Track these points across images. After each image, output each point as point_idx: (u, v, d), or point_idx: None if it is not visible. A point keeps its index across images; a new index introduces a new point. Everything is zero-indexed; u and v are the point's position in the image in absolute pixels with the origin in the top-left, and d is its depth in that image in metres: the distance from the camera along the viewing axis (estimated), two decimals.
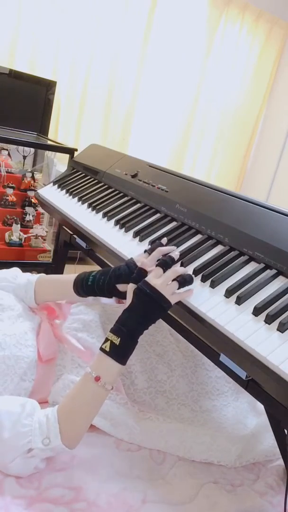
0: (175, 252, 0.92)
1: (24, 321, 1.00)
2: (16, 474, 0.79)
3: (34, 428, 0.77)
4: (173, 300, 0.82)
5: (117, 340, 0.79)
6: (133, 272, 0.90)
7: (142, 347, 1.11)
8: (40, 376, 0.95)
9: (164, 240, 0.99)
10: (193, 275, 0.88)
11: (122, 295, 0.95)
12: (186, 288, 0.85)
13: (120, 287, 0.95)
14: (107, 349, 0.79)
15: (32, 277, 1.07)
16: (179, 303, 0.87)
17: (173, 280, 0.83)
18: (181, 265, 0.96)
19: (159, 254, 0.91)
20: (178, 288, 0.83)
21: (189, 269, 0.94)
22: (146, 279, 0.83)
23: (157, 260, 0.89)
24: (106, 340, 0.81)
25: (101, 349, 0.81)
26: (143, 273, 0.86)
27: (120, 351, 0.80)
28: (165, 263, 0.86)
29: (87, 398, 0.80)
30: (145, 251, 0.95)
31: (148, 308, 0.81)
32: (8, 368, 0.89)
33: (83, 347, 1.03)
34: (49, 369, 0.98)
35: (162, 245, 0.96)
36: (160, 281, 0.82)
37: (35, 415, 0.79)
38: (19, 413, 0.78)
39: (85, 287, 0.98)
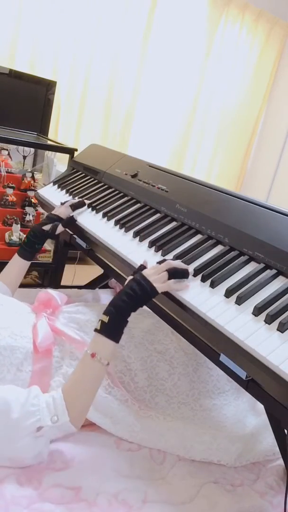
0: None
1: (19, 316, 1.04)
2: (22, 455, 0.80)
3: (42, 407, 0.80)
4: (160, 288, 0.87)
5: (106, 318, 0.86)
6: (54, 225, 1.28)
7: (143, 345, 1.11)
8: (37, 367, 0.97)
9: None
10: (189, 270, 0.91)
11: (52, 236, 1.30)
12: (180, 281, 0.89)
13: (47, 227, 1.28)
14: (99, 327, 0.86)
15: None
16: (180, 303, 0.87)
17: (165, 270, 0.88)
18: None
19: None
20: (169, 278, 0.88)
21: (189, 269, 0.94)
22: (143, 271, 0.90)
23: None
24: (99, 321, 0.87)
25: (95, 329, 0.87)
26: (142, 268, 0.93)
27: (109, 328, 0.86)
28: (163, 260, 0.92)
29: (87, 374, 0.85)
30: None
31: (134, 291, 0.87)
32: (4, 359, 0.92)
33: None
34: (46, 360, 1.00)
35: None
36: (152, 271, 0.90)
37: (41, 397, 0.82)
38: (26, 396, 0.81)
39: (24, 249, 1.26)
